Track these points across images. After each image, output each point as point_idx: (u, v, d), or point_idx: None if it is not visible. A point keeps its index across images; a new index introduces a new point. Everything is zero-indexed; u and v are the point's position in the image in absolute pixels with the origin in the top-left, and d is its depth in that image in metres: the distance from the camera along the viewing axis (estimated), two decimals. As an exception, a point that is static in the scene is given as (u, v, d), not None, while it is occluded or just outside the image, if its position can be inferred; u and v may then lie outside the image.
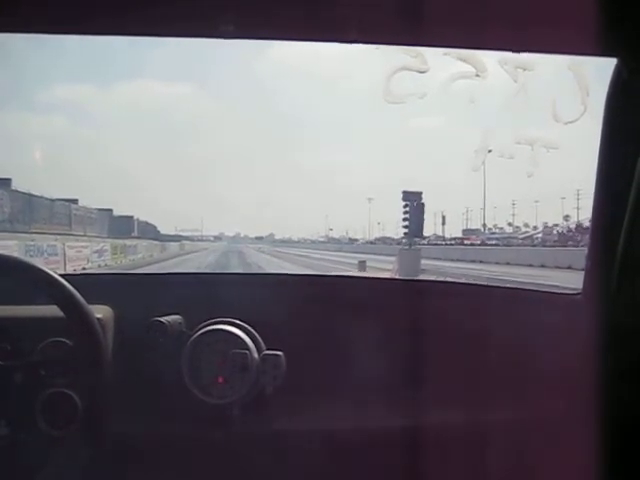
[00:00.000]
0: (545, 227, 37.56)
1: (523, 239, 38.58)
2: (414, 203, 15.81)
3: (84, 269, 17.94)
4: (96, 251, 22.00)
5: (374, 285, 1.89)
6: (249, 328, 1.49)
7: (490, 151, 1.75)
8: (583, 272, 1.54)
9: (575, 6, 1.03)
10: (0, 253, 1.27)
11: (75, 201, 24.53)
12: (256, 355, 1.46)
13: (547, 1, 1.13)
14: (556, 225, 36.43)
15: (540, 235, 37.05)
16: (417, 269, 15.75)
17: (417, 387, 1.48)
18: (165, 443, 1.44)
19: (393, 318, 1.55)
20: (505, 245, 34.17)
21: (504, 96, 1.43)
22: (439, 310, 1.54)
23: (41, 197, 21.25)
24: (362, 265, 17.89)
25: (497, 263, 23.86)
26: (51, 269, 1.26)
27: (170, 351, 1.45)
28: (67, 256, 18.55)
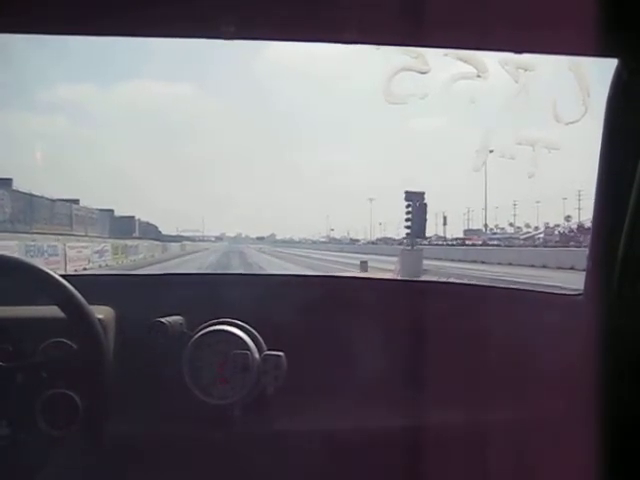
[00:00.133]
0: (547, 227, 37.55)
1: (525, 239, 38.55)
2: (417, 203, 15.80)
3: (85, 269, 17.97)
4: (97, 251, 22.02)
5: (376, 285, 1.89)
6: (250, 329, 1.49)
7: (491, 151, 1.75)
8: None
9: (576, 7, 1.03)
10: (1, 253, 1.28)
11: (76, 201, 24.59)
12: (257, 355, 1.46)
13: (548, 2, 1.13)
14: (557, 225, 36.43)
15: (542, 235, 37.03)
16: (419, 269, 15.75)
17: (418, 387, 1.48)
18: (166, 443, 1.44)
19: (395, 319, 1.55)
20: (507, 246, 34.15)
21: (505, 97, 1.43)
22: (441, 311, 1.54)
23: (42, 197, 21.30)
24: (364, 265, 17.88)
25: (499, 264, 23.84)
26: (51, 269, 1.26)
27: (171, 352, 1.45)
28: (68, 256, 18.57)
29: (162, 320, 1.44)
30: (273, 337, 1.48)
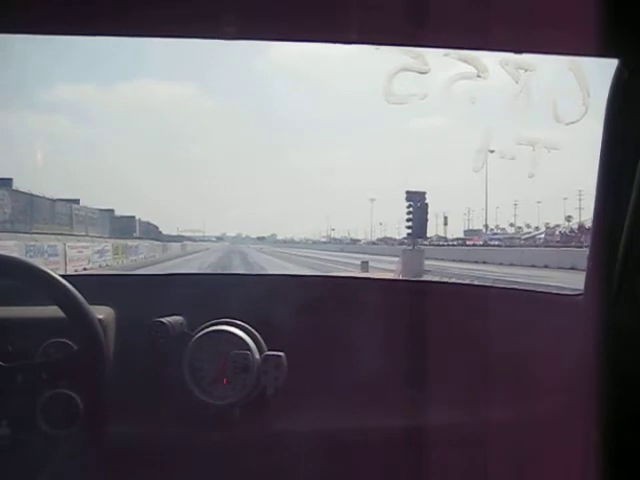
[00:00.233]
0: (547, 228, 37.56)
1: (526, 240, 38.55)
2: (418, 203, 15.83)
3: (85, 269, 17.99)
4: (97, 251, 22.04)
5: (377, 286, 1.89)
6: (250, 329, 1.49)
7: (492, 152, 1.75)
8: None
9: (576, 7, 1.03)
10: (1, 253, 1.28)
11: (77, 201, 24.62)
12: (257, 356, 1.45)
13: (548, 2, 1.13)
14: (558, 225, 36.43)
15: (543, 236, 37.03)
16: (421, 270, 15.76)
17: (418, 387, 1.48)
18: (166, 444, 1.44)
19: (395, 319, 1.55)
20: (507, 246, 34.15)
21: (505, 97, 1.42)
22: (443, 311, 1.54)
23: (42, 197, 21.31)
24: (365, 266, 17.90)
25: (501, 264, 23.86)
26: (51, 269, 1.26)
27: (171, 352, 1.45)
28: (68, 256, 18.58)
29: (162, 320, 1.44)
30: (273, 337, 1.48)
